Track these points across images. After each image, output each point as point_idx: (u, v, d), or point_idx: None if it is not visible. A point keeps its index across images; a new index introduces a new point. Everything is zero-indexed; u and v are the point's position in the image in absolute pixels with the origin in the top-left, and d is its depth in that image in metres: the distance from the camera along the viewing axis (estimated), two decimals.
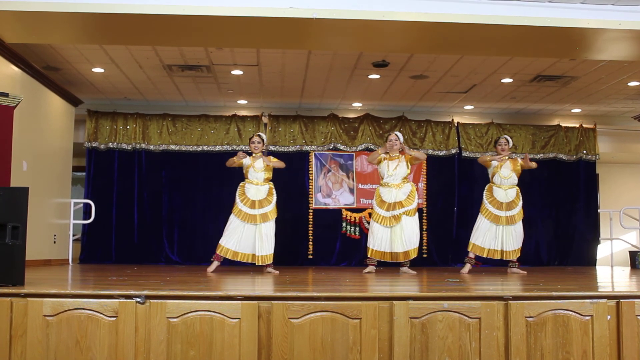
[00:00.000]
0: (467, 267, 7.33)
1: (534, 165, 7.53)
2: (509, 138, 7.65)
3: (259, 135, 7.36)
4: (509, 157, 7.59)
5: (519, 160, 7.58)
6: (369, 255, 7.06)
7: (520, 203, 7.44)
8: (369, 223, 10.40)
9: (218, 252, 7.03)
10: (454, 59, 8.21)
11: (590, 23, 6.19)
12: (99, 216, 9.68)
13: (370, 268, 6.98)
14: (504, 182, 7.43)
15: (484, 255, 7.37)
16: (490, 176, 7.56)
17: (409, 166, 7.17)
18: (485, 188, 7.55)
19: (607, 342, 3.68)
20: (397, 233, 6.96)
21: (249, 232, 7.02)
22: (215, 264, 7.04)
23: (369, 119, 10.55)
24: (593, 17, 6.19)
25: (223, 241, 7.04)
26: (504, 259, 7.37)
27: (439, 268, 9.33)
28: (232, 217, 7.10)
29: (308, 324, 3.50)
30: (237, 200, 7.12)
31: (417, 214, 7.13)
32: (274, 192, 7.24)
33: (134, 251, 10.04)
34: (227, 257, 7.01)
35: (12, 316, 3.45)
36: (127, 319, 3.46)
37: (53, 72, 8.74)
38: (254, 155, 7.27)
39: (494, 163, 7.52)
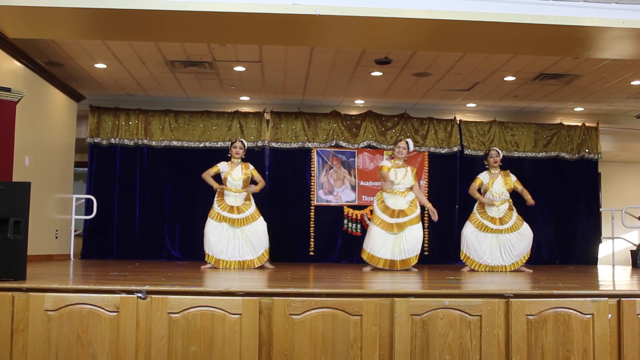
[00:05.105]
0: (468, 267, 7.29)
1: (530, 199, 7.31)
2: (499, 150, 7.53)
3: (242, 141, 7.34)
4: (501, 170, 7.48)
5: (513, 177, 7.42)
6: (364, 258, 6.96)
7: (514, 214, 7.31)
8: (370, 220, 10.47)
9: (207, 260, 7.03)
10: (456, 56, 8.20)
11: (593, 21, 6.18)
12: (100, 212, 9.68)
13: (370, 266, 6.94)
14: (496, 199, 7.30)
15: (480, 270, 7.16)
16: (482, 193, 7.41)
17: (415, 178, 7.12)
18: (477, 201, 7.42)
19: (608, 341, 3.68)
20: (399, 241, 6.87)
21: (230, 236, 6.98)
22: (209, 265, 7.04)
23: (371, 116, 10.54)
24: (597, 15, 6.17)
25: (210, 251, 7.01)
26: (511, 270, 7.19)
27: (440, 265, 9.33)
28: (209, 221, 7.06)
29: (309, 320, 3.50)
30: (215, 205, 7.11)
31: (420, 221, 7.08)
32: (252, 196, 7.23)
33: (136, 247, 10.05)
34: (216, 266, 6.95)
35: (14, 310, 3.46)
36: (128, 314, 3.46)
37: (55, 68, 8.75)
38: (232, 161, 7.22)
39: (485, 180, 7.37)
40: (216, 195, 7.20)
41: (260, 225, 7.08)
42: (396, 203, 6.95)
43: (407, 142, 7.18)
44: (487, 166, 7.54)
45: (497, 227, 7.20)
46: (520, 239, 7.23)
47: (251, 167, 7.33)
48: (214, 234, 6.99)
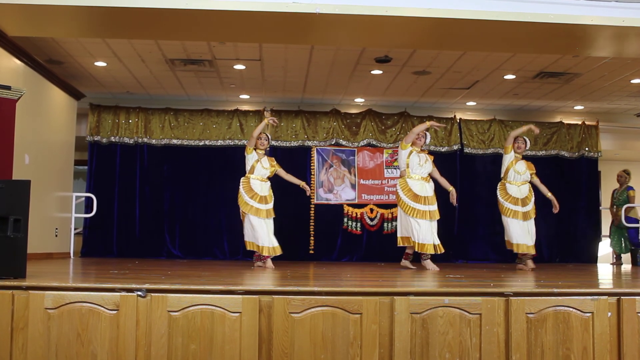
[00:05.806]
0: (530, 263, 7.22)
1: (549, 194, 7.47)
2: (527, 140, 7.59)
3: (266, 134, 7.39)
4: (523, 159, 7.54)
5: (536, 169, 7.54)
6: (424, 251, 6.80)
7: (533, 199, 7.37)
8: (370, 219, 10.50)
9: (264, 252, 6.89)
10: (456, 55, 8.19)
11: (593, 20, 6.18)
12: (100, 210, 9.68)
13: (433, 265, 6.91)
14: (518, 178, 7.35)
15: (525, 252, 7.18)
16: (503, 172, 7.43)
17: (434, 165, 7.16)
18: (498, 187, 7.44)
19: (608, 339, 3.68)
20: (433, 227, 6.96)
21: (268, 225, 7.06)
22: (269, 261, 6.94)
23: (371, 115, 10.54)
24: (596, 13, 6.17)
25: (263, 242, 6.90)
26: (528, 252, 7.24)
27: (440, 264, 9.30)
28: (253, 218, 6.94)
29: (309, 318, 3.51)
30: (246, 198, 6.99)
31: None
32: (272, 190, 7.28)
33: (136, 245, 10.05)
34: (273, 254, 6.93)
35: (14, 309, 3.46)
36: (128, 312, 3.46)
37: (56, 66, 8.74)
38: (258, 152, 7.26)
39: (511, 156, 7.40)
40: (242, 186, 7.10)
41: (272, 224, 7.13)
42: (423, 189, 6.94)
43: (425, 133, 7.21)
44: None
45: (522, 211, 7.26)
46: (532, 231, 7.32)
47: (275, 161, 7.41)
48: (262, 225, 6.95)
